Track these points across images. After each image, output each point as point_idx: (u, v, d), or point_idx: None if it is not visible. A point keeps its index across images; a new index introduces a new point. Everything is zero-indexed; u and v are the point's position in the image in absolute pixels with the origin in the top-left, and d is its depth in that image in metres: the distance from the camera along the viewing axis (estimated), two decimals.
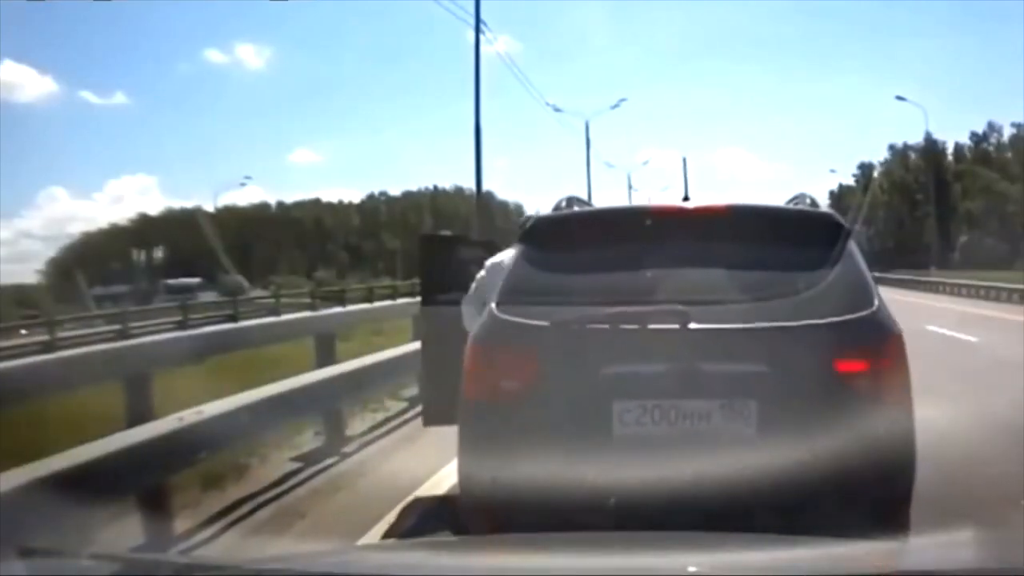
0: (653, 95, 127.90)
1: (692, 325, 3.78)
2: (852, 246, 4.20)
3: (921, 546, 2.30)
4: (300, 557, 2.45)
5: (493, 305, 4.09)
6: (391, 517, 5.43)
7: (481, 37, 30.69)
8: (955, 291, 34.18)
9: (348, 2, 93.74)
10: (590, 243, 4.29)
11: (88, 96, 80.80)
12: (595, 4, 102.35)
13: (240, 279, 37.91)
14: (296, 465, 7.05)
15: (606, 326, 3.84)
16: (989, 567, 2.08)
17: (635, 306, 3.85)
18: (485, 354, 4.01)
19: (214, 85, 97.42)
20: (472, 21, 29.89)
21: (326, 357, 10.38)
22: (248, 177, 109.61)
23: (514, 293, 4.10)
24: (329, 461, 7.23)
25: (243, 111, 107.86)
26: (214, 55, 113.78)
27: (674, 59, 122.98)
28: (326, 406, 7.51)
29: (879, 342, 3.87)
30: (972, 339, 16.72)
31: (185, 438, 4.90)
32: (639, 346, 3.83)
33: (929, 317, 19.72)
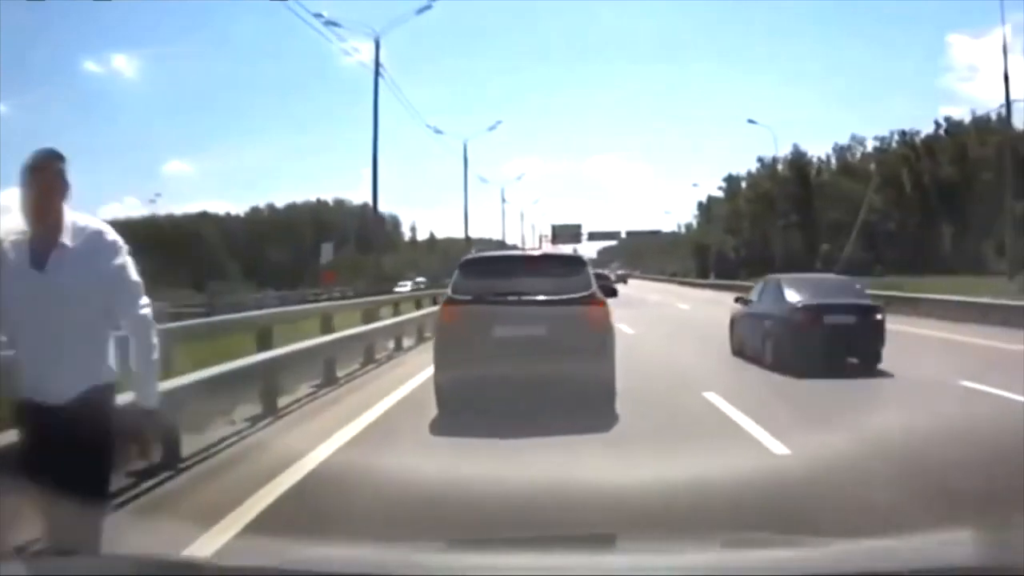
0: (528, 104, 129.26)
1: (524, 298, 9.64)
2: (588, 267, 10.48)
3: (921, 546, 2.33)
4: (300, 558, 2.33)
5: (449, 291, 10.23)
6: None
7: (353, 54, 30.63)
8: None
9: (226, 14, 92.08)
10: (487, 267, 10.70)
11: None
12: (467, 10, 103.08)
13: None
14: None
15: (493, 298, 9.69)
16: (989, 567, 2.11)
17: (503, 292, 9.71)
18: (447, 308, 10.00)
19: (90, 96, 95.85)
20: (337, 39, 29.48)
21: None
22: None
23: (457, 287, 10.06)
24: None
25: (118, 121, 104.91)
26: (90, 65, 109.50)
27: (547, 68, 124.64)
28: None
29: (588, 303, 9.69)
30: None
31: None
32: (504, 308, 9.58)
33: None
